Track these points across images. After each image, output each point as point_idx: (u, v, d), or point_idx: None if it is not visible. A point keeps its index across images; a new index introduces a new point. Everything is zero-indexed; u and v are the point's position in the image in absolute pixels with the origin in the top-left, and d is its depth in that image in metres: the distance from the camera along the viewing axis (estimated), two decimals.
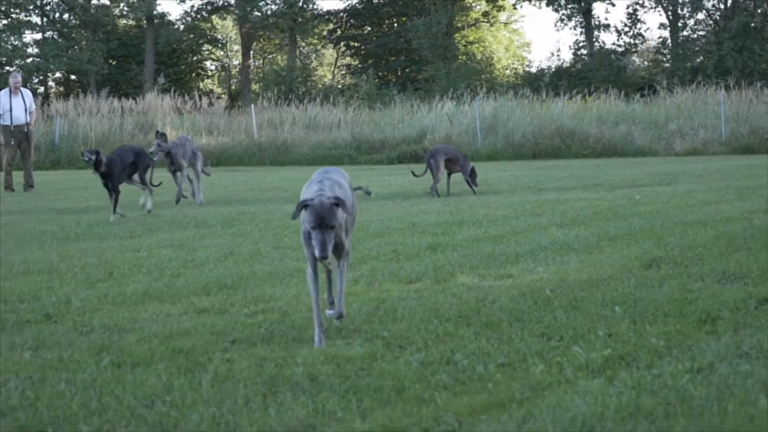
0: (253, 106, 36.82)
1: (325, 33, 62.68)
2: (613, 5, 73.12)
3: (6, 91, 20.90)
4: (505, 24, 63.14)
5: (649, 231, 10.01)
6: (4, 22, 54.95)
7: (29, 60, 54.93)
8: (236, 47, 64.89)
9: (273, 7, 57.00)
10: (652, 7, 56.35)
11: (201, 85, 61.76)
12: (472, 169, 17.08)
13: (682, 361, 4.88)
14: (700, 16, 54.56)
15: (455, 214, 12.72)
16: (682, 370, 4.73)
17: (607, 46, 55.71)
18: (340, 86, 55.98)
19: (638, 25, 56.49)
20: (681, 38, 54.61)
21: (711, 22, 53.96)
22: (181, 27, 61.12)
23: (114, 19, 59.29)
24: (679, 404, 4.23)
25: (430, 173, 16.72)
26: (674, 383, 4.52)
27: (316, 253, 5.45)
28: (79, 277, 8.23)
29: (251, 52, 62.44)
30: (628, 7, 56.43)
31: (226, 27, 64.57)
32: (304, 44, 63.42)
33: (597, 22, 56.35)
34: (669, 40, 55.65)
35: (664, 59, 56.98)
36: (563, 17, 56.45)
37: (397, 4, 60.32)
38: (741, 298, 6.29)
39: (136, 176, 14.28)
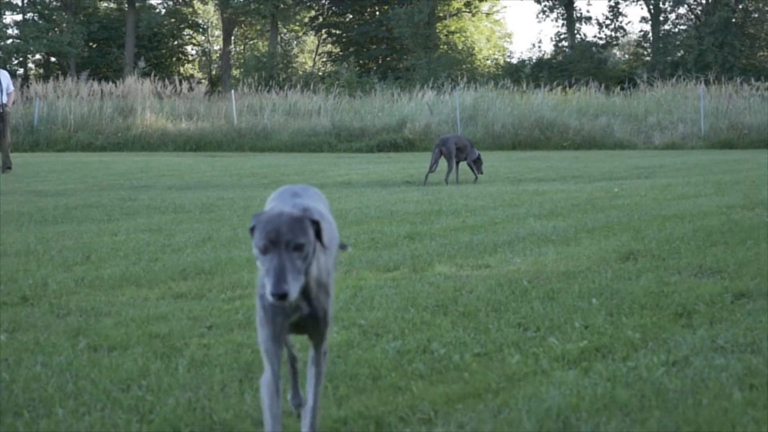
0: (233, 91, 36.70)
1: (306, 20, 62.53)
2: None
3: None
4: (487, 14, 63.10)
5: (626, 224, 10.04)
6: None
7: (9, 41, 54.64)
8: (217, 32, 64.68)
9: None
10: (633, 1, 56.52)
11: (181, 69, 61.51)
12: (478, 156, 17.39)
13: (658, 354, 4.90)
14: (682, 10, 54.80)
15: (434, 203, 12.72)
16: (658, 362, 4.75)
17: (588, 39, 55.88)
18: (320, 73, 55.88)
19: (620, 19, 56.67)
20: (662, 32, 54.77)
21: (692, 16, 54.15)
22: (163, 11, 60.94)
23: (95, 1, 59.06)
24: (654, 397, 4.25)
25: (445, 161, 17.11)
26: (649, 376, 4.54)
27: (269, 289, 3.14)
28: (56, 259, 8.20)
29: (232, 38, 62.27)
30: (610, 0, 56.57)
31: (208, 12, 64.30)
32: (285, 31, 63.28)
33: (579, 15, 56.52)
34: (650, 34, 55.82)
35: (645, 53, 57.16)
36: (545, 9, 56.61)
37: None
38: (717, 292, 6.32)
39: None
